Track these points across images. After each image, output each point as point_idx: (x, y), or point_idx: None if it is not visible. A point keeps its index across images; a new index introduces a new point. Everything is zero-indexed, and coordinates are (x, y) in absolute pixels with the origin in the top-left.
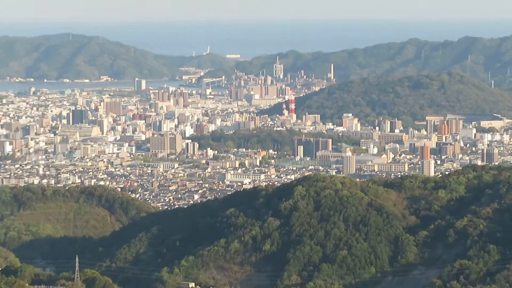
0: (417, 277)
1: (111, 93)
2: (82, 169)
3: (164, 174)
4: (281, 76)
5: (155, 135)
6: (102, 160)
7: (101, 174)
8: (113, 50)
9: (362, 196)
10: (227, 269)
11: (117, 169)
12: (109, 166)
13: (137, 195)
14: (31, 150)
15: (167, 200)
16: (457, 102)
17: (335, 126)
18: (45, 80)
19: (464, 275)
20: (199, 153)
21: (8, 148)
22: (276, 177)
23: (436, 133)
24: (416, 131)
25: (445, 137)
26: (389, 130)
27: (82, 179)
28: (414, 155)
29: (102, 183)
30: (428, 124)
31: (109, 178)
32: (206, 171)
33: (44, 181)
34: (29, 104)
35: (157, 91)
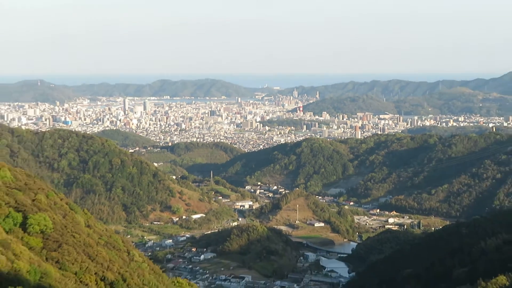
0: (353, 180)
1: (226, 103)
2: (213, 135)
3: (248, 137)
4: (296, 96)
5: (243, 120)
6: (222, 131)
7: (221, 136)
8: (227, 85)
9: (330, 146)
10: (274, 177)
11: (228, 135)
12: (225, 133)
13: (236, 145)
14: (192, 126)
15: (249, 148)
16: (370, 107)
17: (319, 117)
18: (198, 98)
19: (372, 180)
20: (262, 128)
21: (183, 126)
22: (295, 138)
23: (361, 120)
24: (353, 119)
25: (364, 122)
26: (341, 118)
27: (213, 139)
28: (352, 129)
29: (222, 140)
30: (358, 116)
31: (224, 138)
32: (265, 135)
33: (198, 139)
34: (192, 107)
35: (245, 102)
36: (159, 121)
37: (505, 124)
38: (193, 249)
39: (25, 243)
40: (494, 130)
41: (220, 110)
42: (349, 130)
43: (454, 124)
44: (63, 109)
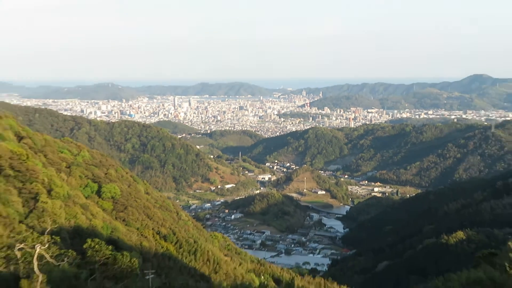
0: (347, 159)
1: (251, 100)
2: (241, 124)
3: (267, 126)
4: (305, 95)
5: (264, 114)
6: (248, 121)
7: (247, 126)
8: (252, 87)
9: (330, 133)
10: (287, 156)
11: (252, 124)
12: (250, 123)
13: (259, 132)
14: (226, 118)
15: (268, 134)
16: (360, 103)
17: (321, 111)
18: (230, 96)
19: (362, 159)
20: (279, 119)
21: (219, 118)
22: (303, 127)
23: (354, 113)
24: (347, 112)
25: (356, 114)
26: (339, 112)
27: (241, 127)
28: (347, 120)
29: (248, 129)
30: (351, 110)
31: (250, 127)
32: (281, 125)
33: (230, 128)
34: (225, 104)
35: (265, 100)
36: (201, 114)
37: (464, 116)
38: (226, 211)
39: (100, 206)
40: (455, 121)
41: (246, 106)
42: (345, 120)
43: (425, 116)
44: (128, 105)
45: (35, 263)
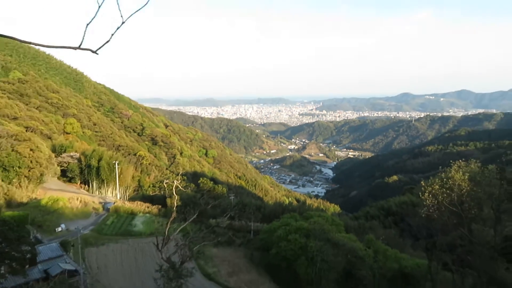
0: (335, 137)
1: (284, 107)
2: (279, 119)
3: (293, 120)
4: (312, 104)
5: (291, 114)
6: (283, 118)
7: (282, 120)
8: (285, 99)
9: (326, 124)
10: (303, 136)
11: (285, 119)
12: (284, 119)
13: (288, 123)
14: (271, 116)
15: (293, 125)
16: (342, 109)
17: (321, 112)
18: (273, 104)
19: (342, 137)
20: (299, 117)
21: (268, 116)
22: (312, 121)
23: (338, 113)
24: (335, 113)
25: (340, 115)
26: (331, 113)
27: (279, 121)
28: (335, 118)
29: (283, 122)
30: (337, 112)
31: (284, 121)
32: (300, 120)
33: (273, 121)
34: (271, 108)
35: (292, 106)
36: (258, 114)
37: (397, 115)
38: (271, 164)
39: (206, 161)
40: (393, 117)
41: (282, 110)
42: (334, 118)
43: (376, 115)
44: (221, 109)
45: (174, 190)
